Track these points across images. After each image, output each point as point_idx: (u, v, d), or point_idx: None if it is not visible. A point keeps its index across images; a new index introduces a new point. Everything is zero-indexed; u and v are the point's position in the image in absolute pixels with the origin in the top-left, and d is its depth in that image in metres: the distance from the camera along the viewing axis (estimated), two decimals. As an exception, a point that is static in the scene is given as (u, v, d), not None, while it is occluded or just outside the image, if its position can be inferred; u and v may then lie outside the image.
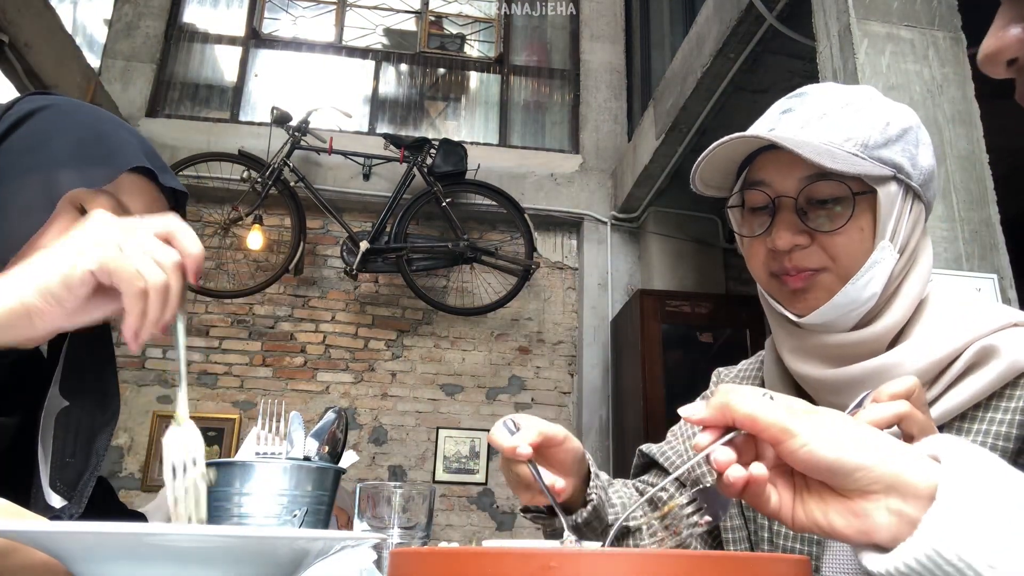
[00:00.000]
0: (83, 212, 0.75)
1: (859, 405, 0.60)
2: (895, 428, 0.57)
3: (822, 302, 0.78)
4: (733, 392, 0.49)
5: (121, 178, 0.78)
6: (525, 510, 0.91)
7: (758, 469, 0.48)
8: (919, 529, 0.42)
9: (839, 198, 0.77)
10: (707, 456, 0.50)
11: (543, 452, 0.80)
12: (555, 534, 0.90)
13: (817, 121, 0.79)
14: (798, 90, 0.85)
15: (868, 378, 0.76)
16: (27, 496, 0.79)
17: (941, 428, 0.75)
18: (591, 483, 0.89)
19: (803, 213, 0.78)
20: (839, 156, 0.75)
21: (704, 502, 0.63)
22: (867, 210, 0.77)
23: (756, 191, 0.82)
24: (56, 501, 0.81)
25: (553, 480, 0.80)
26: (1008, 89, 0.52)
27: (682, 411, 0.52)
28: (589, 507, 0.86)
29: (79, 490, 0.84)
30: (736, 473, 0.48)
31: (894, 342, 0.79)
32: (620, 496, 0.97)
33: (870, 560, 0.45)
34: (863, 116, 0.79)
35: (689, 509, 0.63)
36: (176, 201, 0.86)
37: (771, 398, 0.48)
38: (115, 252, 0.60)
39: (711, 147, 0.80)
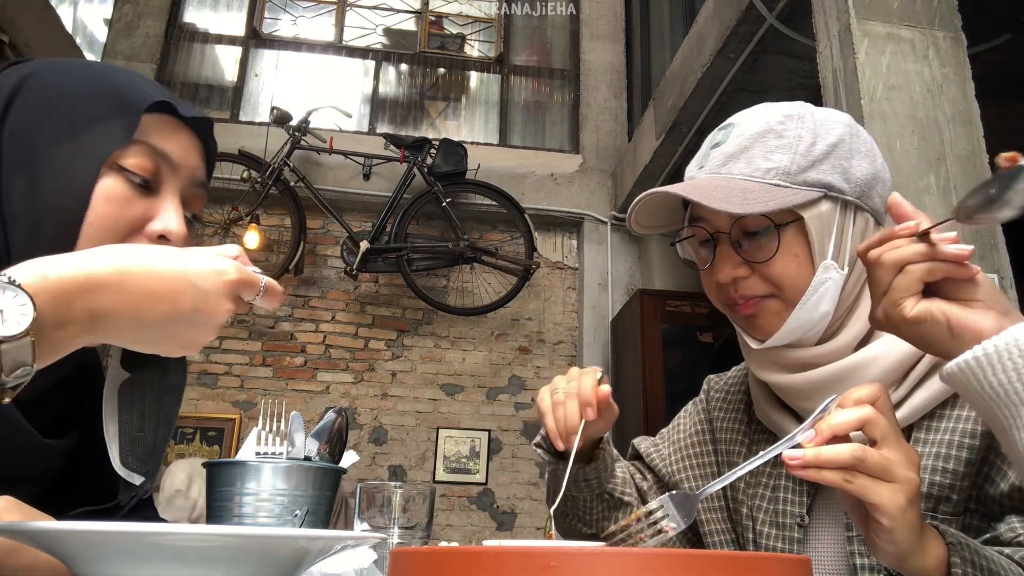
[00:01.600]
0: (122, 170, 0.71)
1: (824, 411, 0.60)
2: (859, 432, 0.58)
3: (775, 327, 0.80)
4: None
5: (146, 122, 0.73)
6: (538, 445, 0.98)
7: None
8: (1008, 328, 0.55)
9: (765, 229, 0.79)
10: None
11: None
12: (554, 471, 0.95)
13: (738, 156, 0.80)
14: (727, 120, 0.87)
15: (835, 380, 0.77)
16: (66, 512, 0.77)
17: (908, 428, 0.76)
18: (601, 443, 0.94)
19: (739, 245, 0.81)
20: (752, 194, 0.76)
21: (669, 509, 0.64)
22: (799, 235, 0.78)
23: (698, 227, 0.84)
24: (136, 479, 0.78)
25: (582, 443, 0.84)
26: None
27: (895, 197, 0.62)
28: (595, 463, 0.93)
29: (153, 463, 0.81)
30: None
31: (859, 347, 0.80)
32: (623, 471, 1.02)
33: (947, 365, 0.57)
34: (784, 142, 0.79)
35: (657, 515, 0.64)
36: (200, 129, 0.81)
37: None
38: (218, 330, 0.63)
39: (636, 200, 0.83)
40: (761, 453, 0.62)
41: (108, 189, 0.70)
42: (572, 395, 0.84)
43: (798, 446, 0.58)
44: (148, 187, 0.73)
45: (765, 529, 0.85)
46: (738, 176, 0.79)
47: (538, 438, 0.98)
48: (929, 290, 0.59)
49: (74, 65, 0.76)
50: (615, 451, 1.01)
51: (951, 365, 0.57)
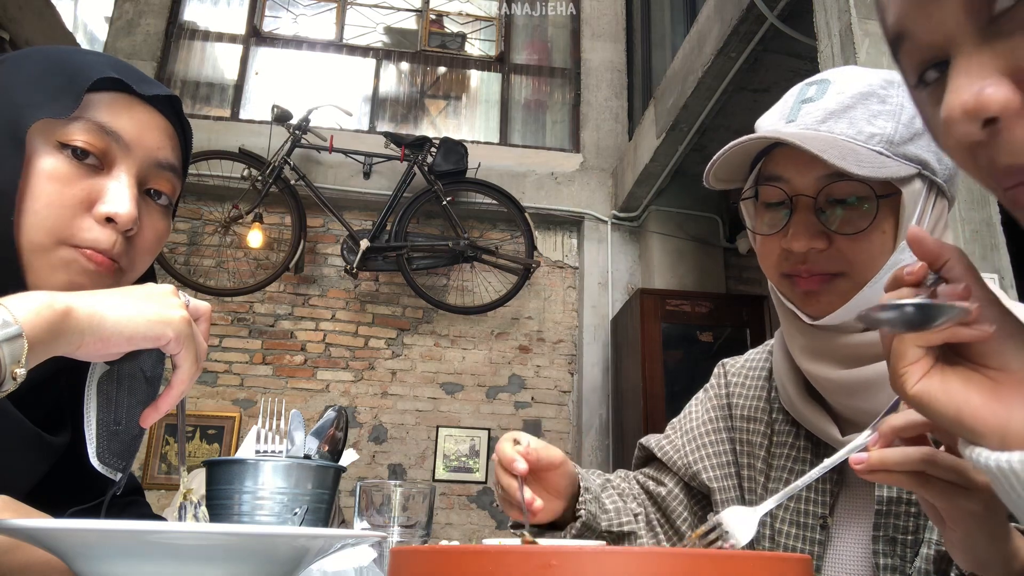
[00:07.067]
0: (63, 147, 0.68)
1: (893, 408, 0.58)
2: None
3: (836, 306, 0.74)
4: (957, 250, 0.47)
5: (95, 99, 0.70)
6: (515, 526, 0.93)
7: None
8: None
9: (861, 199, 0.72)
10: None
11: (539, 475, 0.85)
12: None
13: (841, 115, 0.74)
14: (818, 75, 0.80)
15: (882, 380, 0.73)
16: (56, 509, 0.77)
17: None
18: (580, 498, 0.90)
19: (821, 212, 0.74)
20: (864, 157, 0.70)
21: (727, 527, 0.62)
22: (890, 212, 0.73)
23: (772, 187, 0.77)
24: (115, 475, 0.76)
25: (533, 498, 0.83)
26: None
27: (913, 230, 0.47)
28: (578, 523, 0.89)
29: (129, 457, 0.80)
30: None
31: None
32: (614, 501, 0.97)
33: (981, 454, 0.42)
34: (888, 108, 0.74)
35: (712, 536, 0.62)
36: (172, 108, 0.77)
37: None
38: (189, 329, 0.63)
39: (730, 145, 0.76)
40: (826, 461, 0.59)
41: (50, 167, 0.68)
42: (499, 469, 0.85)
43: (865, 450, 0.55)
44: (97, 166, 0.70)
45: (785, 528, 0.83)
46: (841, 136, 0.72)
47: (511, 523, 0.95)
48: (954, 352, 0.46)
49: (49, 49, 0.74)
50: (598, 482, 0.97)
51: (981, 458, 0.42)
